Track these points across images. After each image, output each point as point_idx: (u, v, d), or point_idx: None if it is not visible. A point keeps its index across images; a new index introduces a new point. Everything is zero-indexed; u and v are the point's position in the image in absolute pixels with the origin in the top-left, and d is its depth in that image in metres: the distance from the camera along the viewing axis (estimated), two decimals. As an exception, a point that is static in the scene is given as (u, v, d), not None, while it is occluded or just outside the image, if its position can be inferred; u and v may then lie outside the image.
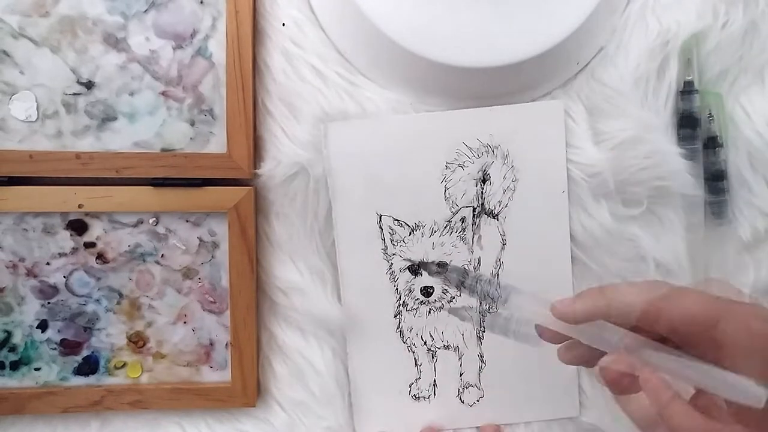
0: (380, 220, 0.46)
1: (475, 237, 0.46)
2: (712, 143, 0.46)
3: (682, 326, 0.32)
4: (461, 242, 0.46)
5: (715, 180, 0.46)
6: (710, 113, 0.46)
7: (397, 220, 0.46)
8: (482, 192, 0.46)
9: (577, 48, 0.45)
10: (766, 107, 0.47)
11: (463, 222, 0.46)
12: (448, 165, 0.46)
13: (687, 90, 0.46)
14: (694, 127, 0.46)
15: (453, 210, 0.46)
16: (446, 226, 0.46)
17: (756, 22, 0.46)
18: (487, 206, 0.46)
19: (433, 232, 0.46)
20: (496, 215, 0.46)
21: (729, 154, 0.47)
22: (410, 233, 0.46)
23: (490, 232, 0.46)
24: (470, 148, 0.46)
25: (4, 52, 0.43)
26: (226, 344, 0.47)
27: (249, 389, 0.46)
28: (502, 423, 0.48)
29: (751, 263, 0.48)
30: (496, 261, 0.47)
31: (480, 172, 0.46)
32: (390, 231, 0.46)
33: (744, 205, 0.47)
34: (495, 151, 0.46)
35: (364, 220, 0.46)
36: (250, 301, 0.46)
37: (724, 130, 0.47)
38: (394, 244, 0.46)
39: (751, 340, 0.30)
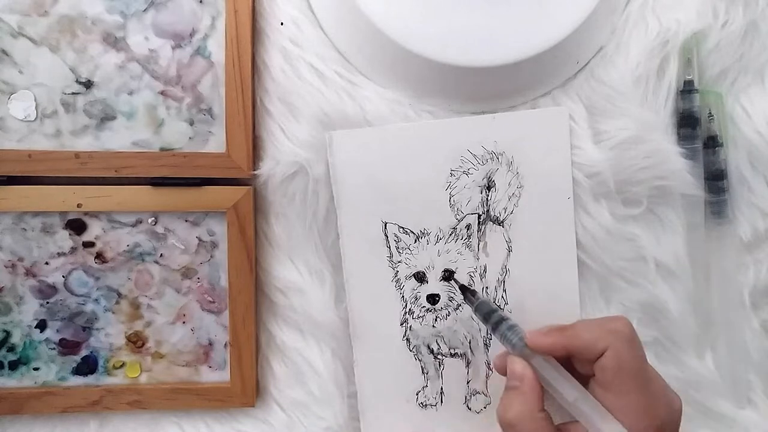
0: (385, 227, 0.46)
1: (481, 244, 0.46)
2: (712, 143, 0.46)
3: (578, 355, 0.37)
4: (467, 249, 0.46)
5: (715, 179, 0.46)
6: (710, 112, 0.46)
7: (403, 228, 0.46)
8: (487, 199, 0.46)
9: (576, 47, 0.45)
10: (766, 107, 0.46)
11: (468, 229, 0.46)
12: (452, 172, 0.46)
13: (687, 89, 0.46)
14: (694, 127, 0.46)
15: (458, 217, 0.46)
16: (452, 233, 0.46)
17: (756, 22, 0.46)
18: (492, 213, 0.46)
19: (438, 239, 0.46)
20: (502, 222, 0.46)
21: (729, 153, 0.47)
22: (415, 241, 0.46)
23: (495, 239, 0.46)
24: (475, 155, 0.46)
25: (3, 52, 0.43)
26: (225, 344, 0.47)
27: (248, 389, 0.46)
28: None
29: (751, 263, 0.48)
30: (502, 268, 0.47)
31: (485, 179, 0.46)
32: (395, 239, 0.46)
33: (744, 205, 0.47)
34: (500, 158, 0.46)
35: (369, 228, 0.46)
36: (249, 300, 0.46)
37: (724, 129, 0.47)
38: (399, 252, 0.46)
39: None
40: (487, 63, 0.43)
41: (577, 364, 0.38)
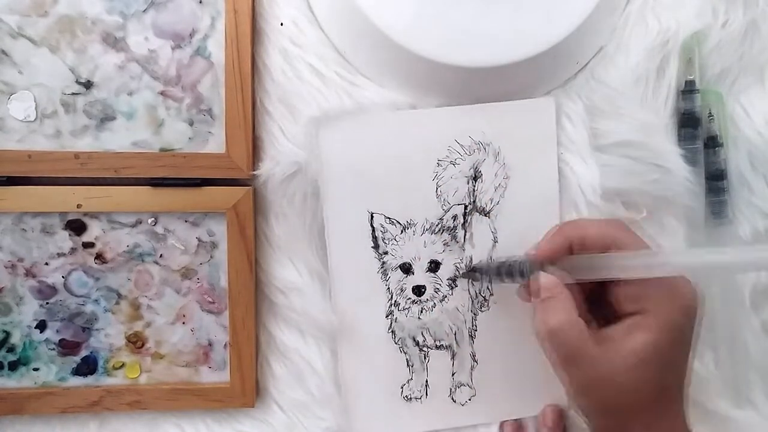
0: (371, 218, 0.46)
1: (467, 235, 0.46)
2: (712, 143, 0.46)
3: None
4: (453, 240, 0.46)
5: (715, 179, 0.46)
6: (710, 112, 0.46)
7: (389, 218, 0.46)
8: (474, 189, 0.46)
9: (577, 48, 0.45)
10: (766, 107, 0.46)
11: (454, 220, 0.46)
12: (439, 162, 0.46)
13: (688, 89, 0.46)
14: (696, 127, 0.46)
15: (445, 208, 0.46)
16: (438, 224, 0.46)
17: (756, 22, 0.46)
18: (478, 204, 0.46)
19: (424, 230, 0.46)
20: (488, 213, 0.46)
21: (729, 153, 0.47)
22: (402, 231, 0.46)
23: (481, 229, 0.46)
24: (462, 146, 0.46)
25: (3, 52, 0.43)
26: (225, 344, 0.47)
27: (248, 390, 0.46)
28: (494, 421, 0.48)
29: (752, 263, 0.48)
30: (488, 259, 0.46)
31: (472, 170, 0.46)
32: (381, 229, 0.46)
33: (744, 205, 0.47)
34: (487, 148, 0.46)
35: (355, 219, 0.46)
36: (249, 301, 0.46)
37: (724, 129, 0.47)
38: (385, 243, 0.46)
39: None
40: (487, 63, 0.43)
41: None
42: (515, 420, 0.48)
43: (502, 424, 0.48)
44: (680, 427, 0.38)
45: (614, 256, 0.38)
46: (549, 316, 0.38)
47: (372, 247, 0.46)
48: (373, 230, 0.46)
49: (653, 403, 0.37)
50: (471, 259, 0.46)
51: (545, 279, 0.39)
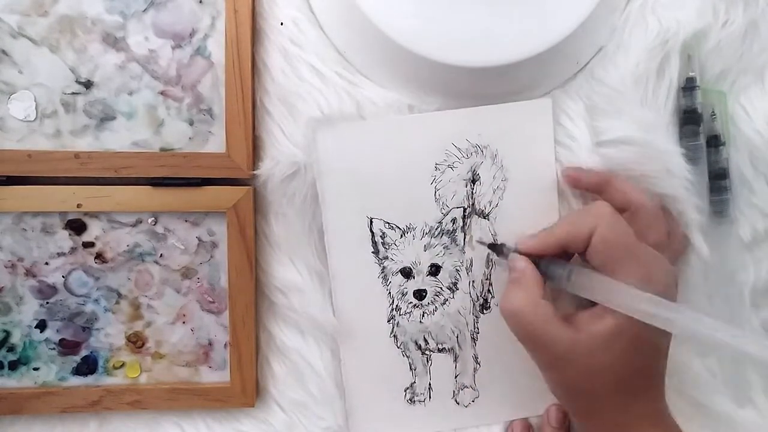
0: (371, 223, 0.46)
1: (467, 238, 0.46)
2: (715, 141, 0.46)
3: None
4: (453, 243, 0.46)
5: (718, 178, 0.46)
6: (713, 111, 0.46)
7: (388, 223, 0.46)
8: (472, 192, 0.46)
9: (576, 48, 0.45)
10: (766, 106, 0.46)
11: (454, 223, 0.46)
12: (437, 166, 0.46)
13: (689, 86, 0.46)
14: (698, 123, 0.46)
15: (444, 211, 0.46)
16: (437, 227, 0.46)
17: (756, 22, 0.46)
18: (477, 206, 0.46)
19: (424, 234, 0.46)
20: (487, 215, 0.46)
21: (730, 153, 0.47)
22: (401, 236, 0.46)
23: (481, 232, 0.46)
24: (459, 149, 0.46)
25: (3, 52, 0.43)
26: (225, 344, 0.47)
27: (248, 389, 0.46)
28: (498, 422, 0.48)
29: (752, 262, 0.48)
30: (488, 261, 0.47)
31: (469, 173, 0.46)
32: (381, 234, 0.46)
33: (744, 205, 0.47)
34: (484, 150, 0.46)
35: (354, 224, 0.46)
36: (249, 301, 0.46)
37: (727, 128, 0.47)
38: (385, 248, 0.46)
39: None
40: (487, 63, 0.43)
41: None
42: (523, 419, 0.48)
43: (510, 424, 0.48)
44: (658, 409, 0.39)
45: (605, 283, 0.38)
46: (512, 296, 0.39)
47: (372, 252, 0.46)
48: (373, 235, 0.46)
49: (624, 385, 0.37)
50: (471, 261, 0.46)
51: (518, 262, 0.41)
